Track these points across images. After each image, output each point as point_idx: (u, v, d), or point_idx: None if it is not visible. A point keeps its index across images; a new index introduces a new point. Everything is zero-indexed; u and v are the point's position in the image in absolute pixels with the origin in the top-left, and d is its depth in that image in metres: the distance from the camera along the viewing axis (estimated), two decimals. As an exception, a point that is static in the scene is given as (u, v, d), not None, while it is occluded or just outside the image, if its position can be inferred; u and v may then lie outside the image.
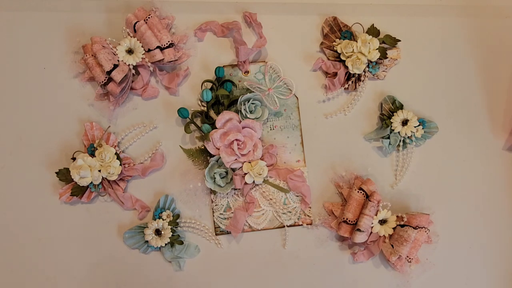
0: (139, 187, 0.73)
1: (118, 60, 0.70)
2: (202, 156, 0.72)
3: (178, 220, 0.72)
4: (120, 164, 0.70)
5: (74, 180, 0.69)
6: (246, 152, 0.70)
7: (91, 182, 0.70)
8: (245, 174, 0.71)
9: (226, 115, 0.71)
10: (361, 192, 0.70)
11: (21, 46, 0.74)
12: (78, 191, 0.71)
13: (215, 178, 0.71)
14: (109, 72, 0.69)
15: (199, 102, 0.74)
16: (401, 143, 0.73)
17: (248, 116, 0.71)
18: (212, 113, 0.73)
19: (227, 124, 0.71)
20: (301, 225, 0.73)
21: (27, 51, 0.73)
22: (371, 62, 0.73)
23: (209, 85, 0.73)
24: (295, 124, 0.74)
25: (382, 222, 0.71)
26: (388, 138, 0.73)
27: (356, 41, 0.72)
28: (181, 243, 0.72)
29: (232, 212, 0.73)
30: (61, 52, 0.74)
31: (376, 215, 0.70)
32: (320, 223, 0.73)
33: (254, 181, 0.71)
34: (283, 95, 0.73)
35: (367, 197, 0.70)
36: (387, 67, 0.75)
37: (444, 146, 0.75)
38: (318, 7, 0.75)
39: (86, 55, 0.70)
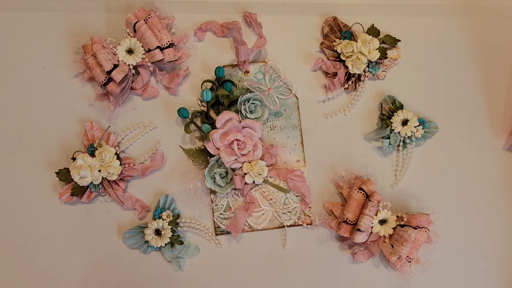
0: (139, 187, 0.73)
1: (118, 60, 0.70)
2: (202, 156, 0.72)
3: (178, 220, 0.72)
4: (120, 164, 0.70)
5: (74, 180, 0.69)
6: (246, 152, 0.70)
7: (91, 182, 0.70)
8: (245, 174, 0.71)
9: (226, 115, 0.71)
10: (361, 192, 0.70)
11: (21, 46, 0.74)
12: (78, 191, 0.71)
13: (215, 178, 0.71)
14: (109, 72, 0.69)
15: (199, 102, 0.74)
16: (401, 143, 0.73)
17: (248, 116, 0.71)
18: (212, 113, 0.73)
19: (227, 124, 0.71)
20: (301, 225, 0.73)
21: (27, 51, 0.73)
22: (371, 62, 0.73)
23: (209, 85, 0.73)
24: (295, 124, 0.74)
25: (382, 222, 0.71)
26: (388, 138, 0.73)
27: (356, 41, 0.72)
28: (181, 243, 0.72)
29: (232, 212, 0.73)
30: (61, 52, 0.74)
31: (376, 215, 0.70)
32: (320, 223, 0.73)
33: (254, 181, 0.71)
34: (283, 95, 0.73)
35: (367, 197, 0.70)
36: (387, 67, 0.75)
37: (444, 146, 0.75)
38: (318, 7, 0.75)
39: (86, 55, 0.70)
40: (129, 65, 0.70)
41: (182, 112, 0.71)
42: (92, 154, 0.70)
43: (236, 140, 0.70)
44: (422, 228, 0.70)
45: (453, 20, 0.76)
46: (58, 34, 0.74)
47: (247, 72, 0.74)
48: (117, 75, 0.69)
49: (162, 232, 0.71)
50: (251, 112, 0.71)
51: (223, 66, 0.73)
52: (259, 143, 0.71)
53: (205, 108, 0.73)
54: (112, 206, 0.73)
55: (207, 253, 0.73)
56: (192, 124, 0.72)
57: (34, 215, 0.73)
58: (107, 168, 0.69)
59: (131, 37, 0.71)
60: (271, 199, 0.73)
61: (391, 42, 0.74)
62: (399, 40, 0.74)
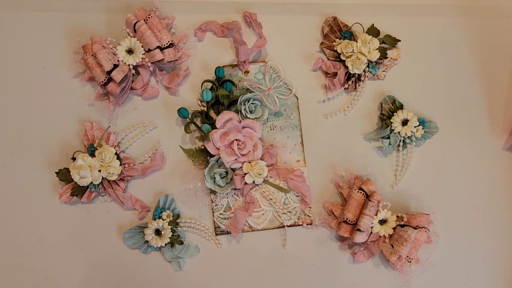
0: (139, 187, 0.73)
1: (118, 60, 0.70)
2: (202, 156, 0.72)
3: (178, 220, 0.72)
4: (120, 164, 0.70)
5: (74, 180, 0.69)
6: (246, 152, 0.70)
7: (91, 182, 0.70)
8: (245, 174, 0.71)
9: (226, 115, 0.71)
10: (361, 192, 0.70)
11: (21, 46, 0.74)
12: (78, 191, 0.71)
13: (215, 178, 0.71)
14: (109, 72, 0.69)
15: (199, 102, 0.74)
16: (401, 143, 0.73)
17: (248, 116, 0.71)
18: (212, 113, 0.73)
19: (227, 124, 0.71)
20: (301, 225, 0.73)
21: (27, 51, 0.73)
22: (371, 62, 0.73)
23: (209, 85, 0.73)
24: (295, 124, 0.74)
25: (382, 222, 0.71)
26: (388, 138, 0.73)
27: (356, 41, 0.72)
28: (181, 243, 0.72)
29: (232, 212, 0.73)
30: (61, 52, 0.74)
31: (376, 215, 0.70)
32: (320, 223, 0.73)
33: (254, 181, 0.71)
34: (283, 95, 0.73)
35: (367, 197, 0.70)
36: (387, 67, 0.75)
37: (444, 146, 0.75)
38: (318, 7, 0.75)
39: (86, 55, 0.70)
40: (129, 65, 0.70)
41: (182, 112, 0.71)
42: (92, 154, 0.70)
43: (236, 140, 0.70)
44: (422, 228, 0.70)
45: (453, 20, 0.76)
46: (58, 34, 0.74)
47: (247, 72, 0.74)
48: (117, 75, 0.69)
49: (162, 232, 0.71)
50: (251, 112, 0.71)
51: (223, 66, 0.73)
52: (259, 143, 0.71)
53: (205, 108, 0.73)
54: (112, 206, 0.73)
55: (207, 253, 0.73)
56: (192, 124, 0.72)
57: (34, 215, 0.73)
58: (107, 168, 0.69)
59: (131, 37, 0.71)
60: (271, 199, 0.73)
61: (391, 42, 0.74)
62: (399, 40, 0.74)
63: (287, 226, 0.73)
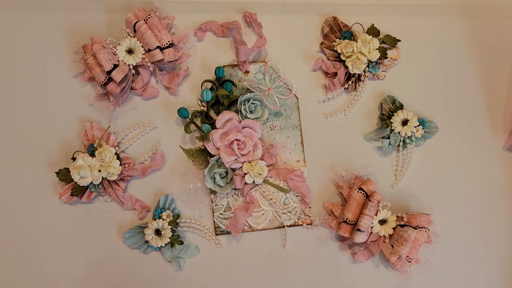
0: (139, 187, 0.73)
1: (118, 60, 0.70)
2: (202, 156, 0.72)
3: (178, 220, 0.72)
4: (120, 164, 0.70)
5: (74, 180, 0.69)
6: (246, 152, 0.70)
7: (91, 182, 0.70)
8: (245, 174, 0.71)
9: (226, 115, 0.71)
10: (361, 192, 0.70)
11: (21, 46, 0.74)
12: (78, 191, 0.71)
13: (215, 178, 0.71)
14: (109, 72, 0.69)
15: (199, 102, 0.74)
16: (401, 143, 0.73)
17: (248, 116, 0.71)
18: (212, 113, 0.73)
19: (227, 124, 0.71)
20: (301, 225, 0.73)
21: (27, 51, 0.73)
22: (371, 62, 0.73)
23: (209, 85, 0.73)
24: (295, 124, 0.74)
25: (382, 222, 0.71)
26: (388, 138, 0.73)
27: (356, 41, 0.72)
28: (181, 243, 0.72)
29: (232, 212, 0.73)
30: (61, 52, 0.74)
31: (376, 215, 0.70)
32: (320, 223, 0.73)
33: (254, 181, 0.71)
34: (283, 95, 0.73)
35: (367, 197, 0.70)
36: (387, 67, 0.75)
37: (444, 146, 0.75)
38: (318, 7, 0.75)
39: (86, 55, 0.70)
40: (129, 65, 0.70)
41: (182, 112, 0.71)
42: (92, 154, 0.70)
43: (236, 140, 0.70)
44: (422, 228, 0.70)
45: (453, 20, 0.76)
46: (58, 34, 0.74)
47: (247, 72, 0.74)
48: (117, 75, 0.69)
49: (162, 232, 0.71)
50: (251, 112, 0.71)
51: (223, 66, 0.73)
52: (259, 143, 0.71)
53: (205, 108, 0.73)
54: (112, 206, 0.73)
55: (207, 253, 0.73)
56: (192, 124, 0.72)
57: (34, 215, 0.73)
58: (107, 168, 0.69)
59: (131, 37, 0.71)
60: (271, 199, 0.73)
61: (391, 42, 0.74)
62: (399, 40, 0.74)
63: (287, 226, 0.73)
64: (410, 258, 0.71)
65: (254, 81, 0.73)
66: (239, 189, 0.72)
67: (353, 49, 0.72)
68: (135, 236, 0.72)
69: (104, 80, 0.70)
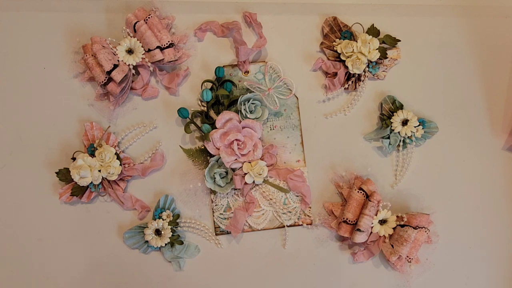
0: (139, 187, 0.73)
1: (118, 60, 0.70)
2: (202, 156, 0.72)
3: (178, 220, 0.72)
4: (120, 164, 0.70)
5: (74, 180, 0.69)
6: (246, 152, 0.70)
7: (91, 182, 0.70)
8: (245, 174, 0.71)
9: (226, 115, 0.71)
10: (361, 192, 0.70)
11: (21, 46, 0.74)
12: (78, 191, 0.71)
13: (215, 178, 0.71)
14: (109, 72, 0.69)
15: (199, 102, 0.74)
16: (401, 143, 0.73)
17: (248, 116, 0.71)
18: (212, 113, 0.73)
19: (227, 124, 0.71)
20: (301, 225, 0.73)
21: (27, 51, 0.73)
22: (371, 62, 0.73)
23: (209, 85, 0.73)
24: (295, 124, 0.74)
25: (382, 222, 0.71)
26: (388, 138, 0.73)
27: (356, 41, 0.72)
28: (181, 243, 0.72)
29: (232, 212, 0.73)
30: (61, 52, 0.74)
31: (376, 215, 0.70)
32: (320, 223, 0.73)
33: (254, 181, 0.71)
34: (283, 95, 0.73)
35: (367, 197, 0.70)
36: (387, 67, 0.75)
37: (444, 146, 0.75)
38: (318, 7, 0.75)
39: (86, 55, 0.70)
40: (129, 65, 0.70)
41: (182, 112, 0.71)
42: (92, 154, 0.70)
43: (236, 140, 0.70)
44: (422, 228, 0.70)
45: (453, 20, 0.76)
46: (58, 34, 0.74)
47: (247, 72, 0.74)
48: (117, 75, 0.69)
49: (162, 232, 0.71)
50: (251, 112, 0.71)
51: (223, 66, 0.73)
52: (259, 143, 0.71)
53: (205, 108, 0.73)
54: (112, 206, 0.73)
55: (207, 253, 0.73)
56: (192, 124, 0.72)
57: (34, 215, 0.73)
58: (107, 168, 0.69)
59: (131, 37, 0.71)
60: (271, 199, 0.73)
61: (391, 42, 0.74)
62: (399, 40, 0.74)
63: (287, 226, 0.73)
64: (410, 258, 0.71)
65: (254, 81, 0.73)
66: (239, 189, 0.72)
67: (353, 49, 0.72)
68: (135, 236, 0.72)
69: (104, 80, 0.70)
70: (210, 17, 0.74)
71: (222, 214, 0.73)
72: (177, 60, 0.72)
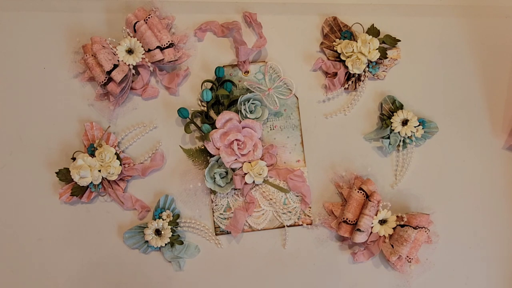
0: (139, 187, 0.73)
1: (118, 60, 0.70)
2: (202, 156, 0.72)
3: (178, 220, 0.72)
4: (120, 164, 0.70)
5: (74, 180, 0.69)
6: (246, 152, 0.70)
7: (91, 182, 0.70)
8: (245, 174, 0.71)
9: (226, 115, 0.71)
10: (361, 192, 0.70)
11: (21, 46, 0.74)
12: (78, 191, 0.71)
13: (215, 178, 0.71)
14: (109, 72, 0.69)
15: (199, 102, 0.74)
16: (401, 143, 0.73)
17: (248, 116, 0.71)
18: (212, 113, 0.73)
19: (227, 124, 0.71)
20: (301, 225, 0.73)
21: (27, 51, 0.73)
22: (371, 62, 0.73)
23: (209, 85, 0.73)
24: (295, 124, 0.74)
25: (382, 222, 0.71)
26: (388, 138, 0.73)
27: (356, 41, 0.72)
28: (181, 243, 0.72)
29: (232, 212, 0.73)
30: (61, 52, 0.74)
31: (376, 215, 0.70)
32: (320, 223, 0.73)
33: (254, 181, 0.71)
34: (283, 95, 0.73)
35: (367, 197, 0.70)
36: (387, 67, 0.75)
37: (444, 146, 0.75)
38: (318, 7, 0.75)
39: (86, 55, 0.70)
40: (129, 65, 0.70)
41: (182, 112, 0.71)
42: (92, 154, 0.70)
43: (236, 140, 0.70)
44: (422, 228, 0.70)
45: (453, 20, 0.76)
46: (58, 34, 0.74)
47: (247, 72, 0.74)
48: (117, 75, 0.69)
49: (162, 232, 0.71)
50: (251, 112, 0.71)
51: (223, 66, 0.73)
52: (259, 143, 0.71)
53: (205, 108, 0.73)
54: (112, 206, 0.73)
55: (207, 253, 0.73)
56: (192, 124, 0.72)
57: (34, 215, 0.73)
58: (107, 168, 0.69)
59: (131, 37, 0.71)
60: (271, 199, 0.73)
61: (391, 42, 0.74)
62: (399, 40, 0.74)
63: (287, 226, 0.73)
64: (410, 258, 0.71)
65: (254, 81, 0.73)
66: (239, 189, 0.72)
67: (353, 49, 0.72)
68: (135, 236, 0.72)
69: (104, 80, 0.70)
70: (210, 17, 0.74)
71: (222, 214, 0.73)
72: (177, 60, 0.72)
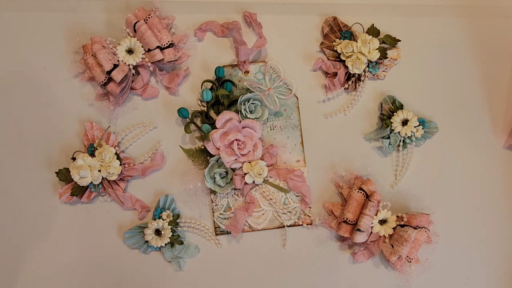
0: (139, 187, 0.73)
1: (118, 60, 0.70)
2: (202, 156, 0.72)
3: (178, 220, 0.72)
4: (120, 164, 0.70)
5: (74, 180, 0.69)
6: (246, 152, 0.70)
7: (91, 182, 0.70)
8: (245, 174, 0.71)
9: (226, 115, 0.71)
10: (361, 192, 0.70)
11: (21, 46, 0.74)
12: (78, 191, 0.71)
13: (215, 178, 0.71)
14: (109, 72, 0.69)
15: (199, 102, 0.74)
16: (401, 143, 0.73)
17: (248, 116, 0.71)
18: (212, 113, 0.73)
19: (227, 124, 0.71)
20: (301, 225, 0.73)
21: (27, 51, 0.73)
22: (371, 62, 0.73)
23: (209, 85, 0.73)
24: (295, 124, 0.74)
25: (382, 222, 0.71)
26: (388, 138, 0.73)
27: (356, 41, 0.72)
28: (181, 243, 0.72)
29: (232, 212, 0.73)
30: (61, 52, 0.74)
31: (376, 215, 0.70)
32: (320, 223, 0.73)
33: (254, 181, 0.71)
34: (283, 95, 0.73)
35: (367, 197, 0.70)
36: (387, 67, 0.75)
37: (444, 146, 0.75)
38: (318, 7, 0.75)
39: (86, 55, 0.70)
40: (129, 65, 0.70)
41: (182, 112, 0.71)
42: (92, 154, 0.70)
43: (236, 140, 0.70)
44: (422, 228, 0.70)
45: (453, 20, 0.76)
46: (58, 34, 0.74)
47: (247, 72, 0.74)
48: (117, 75, 0.69)
49: (162, 232, 0.71)
50: (251, 112, 0.71)
51: (223, 66, 0.73)
52: (259, 143, 0.71)
53: (205, 108, 0.73)
54: (112, 206, 0.73)
55: (207, 253, 0.73)
56: (192, 124, 0.72)
57: (34, 215, 0.73)
58: (107, 168, 0.69)
59: (131, 37, 0.71)
60: (271, 199, 0.73)
61: (391, 42, 0.74)
62: (399, 40, 0.74)
63: (287, 226, 0.73)
64: (410, 258, 0.71)
65: (254, 81, 0.73)
66: (239, 189, 0.72)
67: (353, 49, 0.72)
68: (135, 236, 0.72)
69: (104, 80, 0.70)
70: (210, 17, 0.74)
71: (222, 214, 0.73)
72: (177, 60, 0.72)
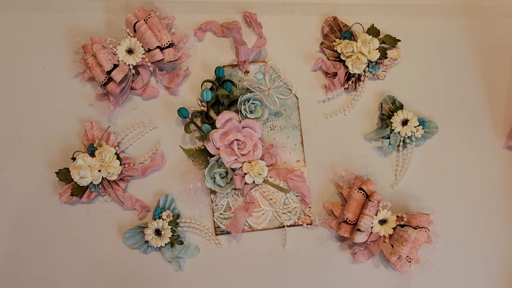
0: (139, 187, 0.73)
1: (118, 60, 0.70)
2: (202, 156, 0.72)
3: (178, 220, 0.72)
4: (120, 164, 0.70)
5: (74, 180, 0.69)
6: (246, 152, 0.70)
7: (91, 182, 0.70)
8: (245, 174, 0.71)
9: (226, 115, 0.71)
10: (361, 192, 0.70)
11: (21, 46, 0.74)
12: (78, 191, 0.71)
13: (215, 178, 0.71)
14: (109, 72, 0.69)
15: (199, 102, 0.74)
16: (401, 143, 0.73)
17: (248, 116, 0.71)
18: (212, 113, 0.73)
19: (227, 124, 0.71)
20: (301, 225, 0.73)
21: (27, 51, 0.73)
22: (371, 62, 0.73)
23: (209, 85, 0.73)
24: (295, 124, 0.74)
25: (382, 222, 0.71)
26: (388, 138, 0.73)
27: (356, 41, 0.72)
28: (181, 243, 0.72)
29: (232, 212, 0.73)
30: (61, 52, 0.74)
31: (376, 215, 0.70)
32: (320, 223, 0.73)
33: (254, 181, 0.71)
34: (283, 95, 0.73)
35: (367, 197, 0.70)
36: (387, 67, 0.75)
37: (444, 146, 0.75)
38: (318, 7, 0.75)
39: (86, 55, 0.70)
40: (129, 65, 0.70)
41: (182, 112, 0.71)
42: (92, 154, 0.70)
43: (236, 140, 0.70)
44: (422, 228, 0.70)
45: (453, 20, 0.76)
46: (58, 34, 0.74)
47: (247, 72, 0.74)
48: (117, 75, 0.69)
49: (162, 232, 0.71)
50: (251, 112, 0.71)
51: (223, 66, 0.73)
52: (259, 143, 0.71)
53: (205, 108, 0.73)
54: (112, 206, 0.73)
55: (207, 253, 0.73)
56: (192, 124, 0.72)
57: (34, 215, 0.73)
58: (107, 168, 0.69)
59: (131, 37, 0.71)
60: (271, 199, 0.73)
61: (391, 42, 0.74)
62: (399, 40, 0.74)
63: (287, 226, 0.73)
64: (410, 258, 0.71)
65: (254, 81, 0.73)
66: (239, 189, 0.72)
67: (353, 49, 0.72)
68: (135, 236, 0.72)
69: (104, 80, 0.70)
70: (210, 17, 0.74)
71: (222, 214, 0.73)
72: (177, 60, 0.72)
